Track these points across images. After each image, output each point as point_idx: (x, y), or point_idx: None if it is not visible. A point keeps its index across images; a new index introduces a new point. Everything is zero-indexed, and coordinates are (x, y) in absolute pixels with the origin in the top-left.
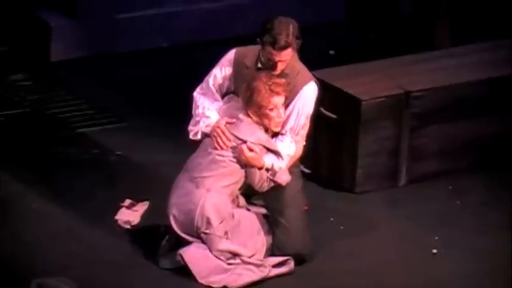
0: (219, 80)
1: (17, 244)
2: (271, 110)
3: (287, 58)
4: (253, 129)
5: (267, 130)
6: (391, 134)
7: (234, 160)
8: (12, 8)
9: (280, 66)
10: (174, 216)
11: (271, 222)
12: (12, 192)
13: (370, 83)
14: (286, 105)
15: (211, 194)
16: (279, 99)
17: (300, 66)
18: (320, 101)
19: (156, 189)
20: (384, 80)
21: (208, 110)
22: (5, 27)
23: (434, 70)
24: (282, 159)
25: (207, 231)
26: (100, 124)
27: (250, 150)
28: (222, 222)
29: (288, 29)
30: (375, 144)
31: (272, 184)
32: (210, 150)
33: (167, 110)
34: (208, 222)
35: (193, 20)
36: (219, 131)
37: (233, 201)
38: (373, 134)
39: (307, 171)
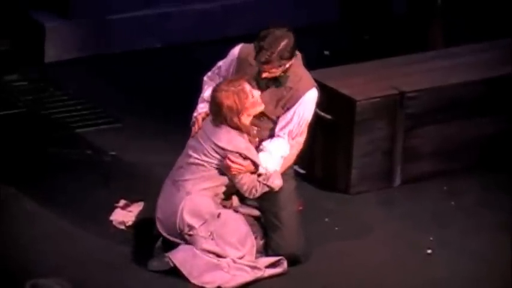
0: (223, 72)
1: (11, 245)
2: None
3: (271, 71)
4: (231, 137)
5: (248, 133)
6: (386, 135)
7: (214, 165)
8: (6, 8)
9: (264, 74)
10: (159, 219)
11: (265, 224)
12: (6, 193)
13: (364, 83)
14: (287, 109)
15: (191, 196)
16: (247, 87)
17: (303, 72)
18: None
19: (151, 189)
20: (378, 80)
21: (203, 98)
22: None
23: (429, 71)
24: (268, 164)
25: (190, 232)
26: (94, 125)
27: (233, 161)
28: (204, 223)
29: (275, 46)
30: (370, 144)
31: (265, 189)
32: (190, 153)
33: (161, 110)
34: (190, 225)
35: (187, 21)
36: (194, 120)
37: (223, 201)
38: (368, 134)
39: (301, 171)
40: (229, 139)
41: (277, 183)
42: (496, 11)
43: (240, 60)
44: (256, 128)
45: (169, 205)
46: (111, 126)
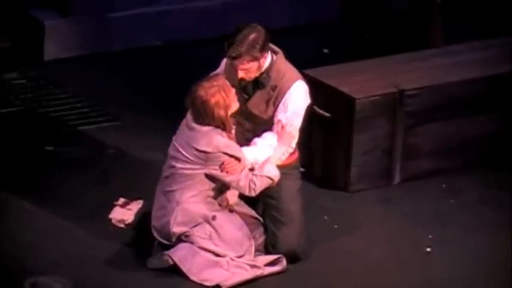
0: None
1: (10, 243)
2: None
3: (244, 68)
4: (210, 138)
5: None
6: (385, 133)
7: (199, 170)
8: (5, 6)
9: (240, 74)
10: (155, 227)
11: (266, 220)
12: (5, 192)
13: (364, 81)
14: (277, 106)
15: (182, 206)
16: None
17: (287, 68)
18: (314, 100)
19: (150, 187)
20: (378, 78)
21: None
22: None
23: (428, 69)
24: (256, 155)
25: (187, 234)
26: (94, 123)
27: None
28: (198, 224)
29: (244, 40)
30: (369, 142)
31: (265, 181)
32: (173, 163)
33: (161, 108)
34: (184, 232)
35: (187, 19)
36: None
37: (221, 201)
38: (367, 132)
39: (301, 170)
40: (208, 141)
41: (273, 173)
42: (496, 9)
43: (227, 70)
44: (234, 127)
45: (162, 215)
46: (111, 124)
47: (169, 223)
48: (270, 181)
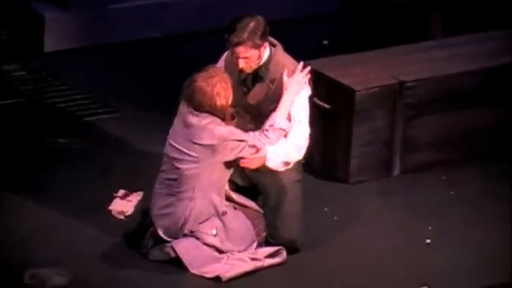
0: None
1: (9, 236)
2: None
3: (245, 56)
4: (210, 130)
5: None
6: (385, 124)
7: (206, 164)
8: None
9: (240, 64)
10: (161, 226)
11: (266, 210)
12: (3, 185)
13: (364, 73)
14: (278, 98)
15: (195, 202)
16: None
17: (285, 60)
18: (314, 91)
19: (150, 179)
20: (377, 70)
21: None
22: None
23: (428, 60)
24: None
25: (194, 229)
26: (93, 114)
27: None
28: (207, 220)
29: (244, 27)
30: (369, 134)
31: (278, 134)
32: (177, 165)
33: (160, 100)
34: (194, 228)
35: (186, 11)
36: None
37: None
38: (367, 124)
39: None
40: (210, 135)
41: (284, 124)
42: (495, 2)
43: (228, 64)
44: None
45: (172, 213)
46: (110, 116)
47: (181, 219)
48: (283, 132)
